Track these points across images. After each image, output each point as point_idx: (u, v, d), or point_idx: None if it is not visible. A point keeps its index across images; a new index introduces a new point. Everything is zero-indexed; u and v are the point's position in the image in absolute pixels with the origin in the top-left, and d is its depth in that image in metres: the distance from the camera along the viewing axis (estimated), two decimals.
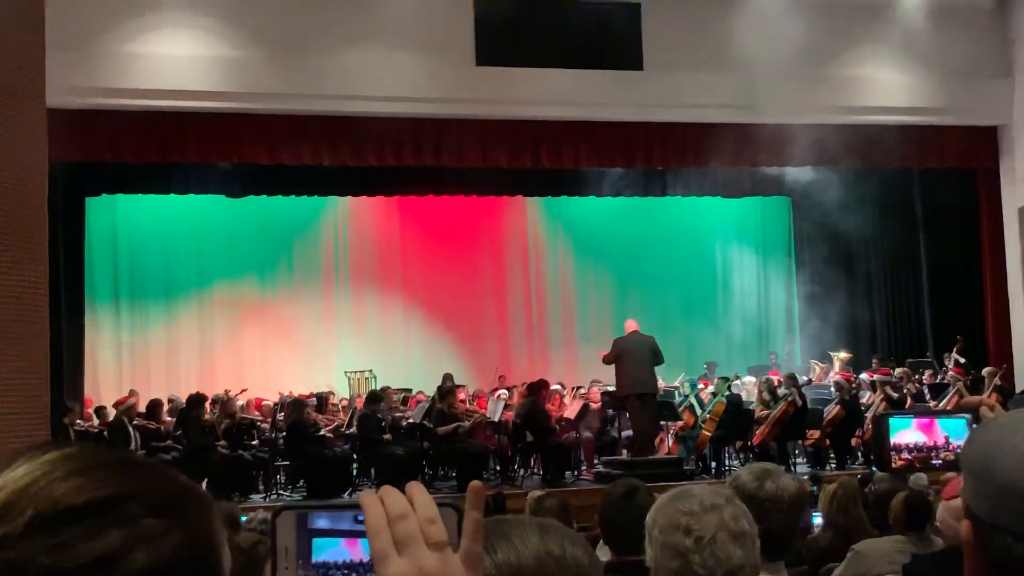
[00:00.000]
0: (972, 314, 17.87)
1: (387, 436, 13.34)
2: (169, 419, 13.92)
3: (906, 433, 1.82)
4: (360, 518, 1.04)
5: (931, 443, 1.81)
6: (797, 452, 14.88)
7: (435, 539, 1.02)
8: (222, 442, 12.93)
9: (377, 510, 1.03)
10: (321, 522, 1.08)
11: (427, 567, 1.01)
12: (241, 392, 15.34)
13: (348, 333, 18.78)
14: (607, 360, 13.31)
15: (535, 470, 14.14)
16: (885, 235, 19.04)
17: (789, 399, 14.06)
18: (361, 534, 1.04)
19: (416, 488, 1.06)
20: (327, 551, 1.07)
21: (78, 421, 13.55)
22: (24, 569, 0.86)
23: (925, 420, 1.84)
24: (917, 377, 15.90)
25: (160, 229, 17.81)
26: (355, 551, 1.07)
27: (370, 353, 18.18)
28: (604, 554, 3.73)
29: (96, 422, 14.16)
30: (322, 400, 15.15)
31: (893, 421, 1.84)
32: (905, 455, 1.82)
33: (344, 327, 18.85)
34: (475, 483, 1.07)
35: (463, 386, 15.82)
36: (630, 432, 13.82)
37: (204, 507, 0.96)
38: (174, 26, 14.24)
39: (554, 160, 16.10)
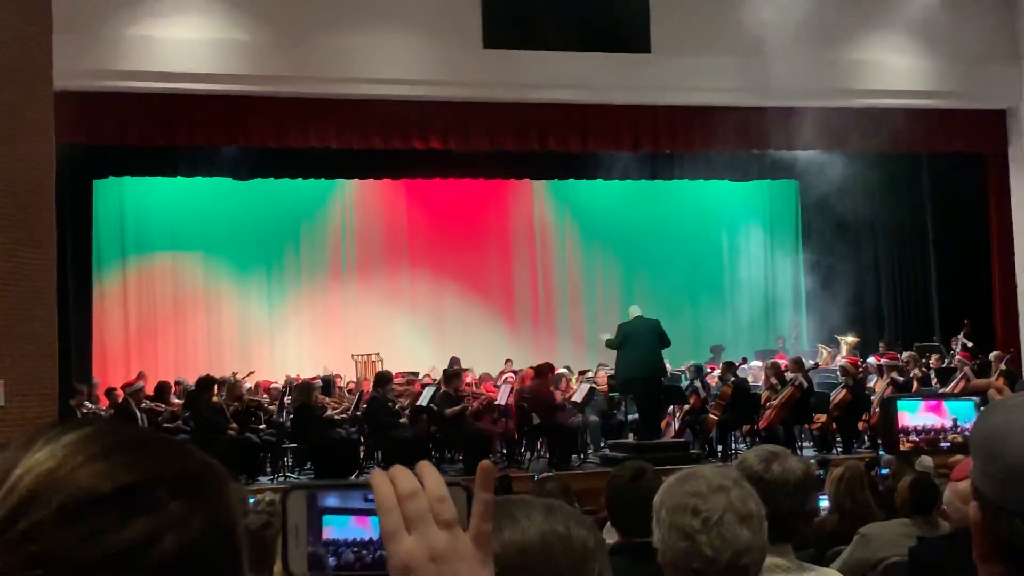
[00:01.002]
0: (979, 298, 17.83)
1: (403, 420, 13.40)
2: (178, 402, 13.95)
3: (914, 415, 1.81)
4: (370, 496, 1.04)
5: (939, 425, 1.81)
6: (803, 436, 14.89)
7: (445, 518, 1.02)
8: (233, 425, 12.96)
9: (387, 489, 1.03)
10: (331, 500, 1.08)
11: (437, 545, 1.01)
12: (249, 375, 15.37)
13: (355, 316, 18.81)
14: (611, 344, 13.34)
15: (542, 453, 14.18)
16: (893, 219, 19.01)
17: (795, 383, 14.06)
18: (371, 512, 1.04)
19: (426, 467, 1.06)
20: (337, 529, 1.08)
21: (85, 403, 13.58)
22: (54, 560, 0.85)
23: (933, 402, 1.83)
24: (924, 361, 15.88)
25: (167, 212, 17.83)
26: (365, 529, 1.07)
27: (377, 336, 18.20)
28: (611, 536, 3.74)
29: (107, 404, 14.16)
30: (329, 383, 15.18)
31: (901, 403, 1.83)
32: (913, 437, 1.82)
33: (351, 310, 18.87)
34: (485, 463, 1.07)
35: (469, 370, 15.85)
36: (636, 415, 13.85)
37: (222, 484, 0.96)
38: (181, 9, 14.21)
39: (561, 143, 16.06)
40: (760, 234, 20.72)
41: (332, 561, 1.08)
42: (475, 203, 19.25)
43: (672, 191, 19.24)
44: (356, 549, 1.08)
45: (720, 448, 14.17)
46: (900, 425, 1.81)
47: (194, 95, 14.43)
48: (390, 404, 13.56)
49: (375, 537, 1.05)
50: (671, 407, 14.40)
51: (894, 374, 14.67)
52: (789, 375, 14.31)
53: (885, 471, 8.35)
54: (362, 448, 13.66)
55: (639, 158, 17.46)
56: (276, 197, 17.88)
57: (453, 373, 14.14)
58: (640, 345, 13.04)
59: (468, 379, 15.00)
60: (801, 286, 20.39)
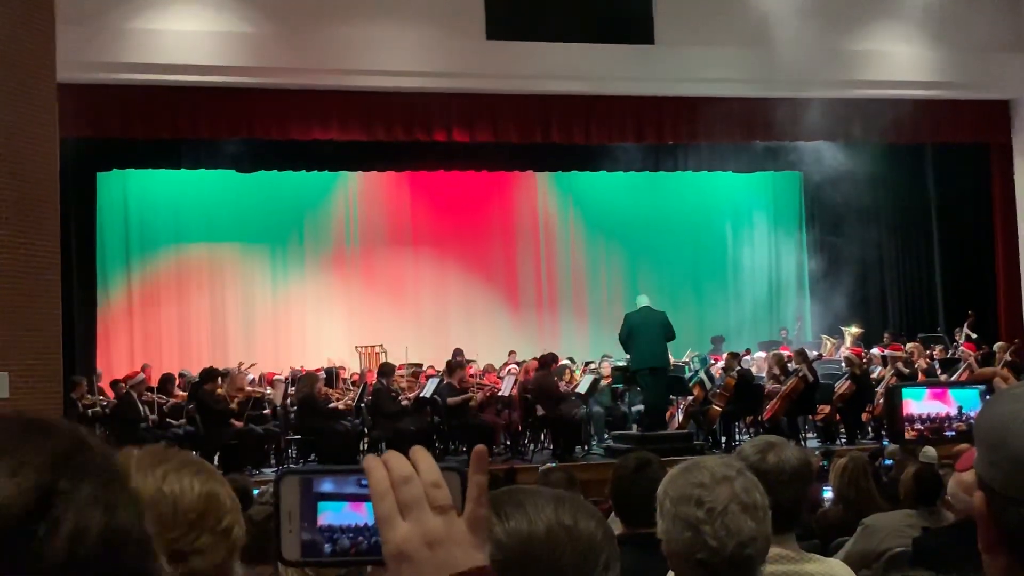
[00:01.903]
0: (983, 289, 17.82)
1: (407, 411, 13.42)
2: (182, 393, 13.96)
3: (919, 404, 1.81)
4: (364, 482, 1.04)
5: (944, 414, 1.81)
6: (807, 427, 14.88)
7: (439, 503, 1.02)
8: (236, 416, 12.99)
9: (381, 474, 1.03)
10: (326, 486, 1.08)
11: (431, 530, 1.01)
12: (251, 366, 15.37)
13: (358, 308, 18.80)
14: (621, 336, 13.27)
15: (545, 444, 14.19)
16: (897, 210, 18.99)
17: (799, 374, 14.06)
18: (366, 497, 1.04)
19: (420, 452, 1.06)
20: (332, 514, 1.07)
21: (87, 395, 13.59)
22: None
23: (938, 391, 1.83)
24: (928, 352, 15.88)
25: (171, 204, 17.83)
26: (361, 514, 1.07)
27: (380, 328, 18.20)
28: (615, 526, 3.74)
29: (112, 395, 14.16)
30: (332, 374, 15.19)
31: (906, 392, 1.83)
32: (917, 426, 1.81)
33: (354, 302, 18.87)
34: (479, 447, 1.07)
35: (473, 361, 15.85)
36: (640, 407, 13.84)
37: (94, 444, 0.91)
38: (185, 1, 14.21)
39: (564, 135, 16.06)
40: (764, 225, 20.68)
41: (328, 547, 1.08)
42: (479, 195, 19.23)
43: (676, 182, 19.21)
44: (352, 535, 1.07)
45: (724, 439, 14.17)
46: (905, 413, 1.81)
47: (198, 87, 14.44)
48: (394, 395, 13.59)
49: (370, 523, 1.05)
50: (675, 398, 14.39)
51: (899, 365, 14.67)
52: (793, 366, 14.31)
53: (889, 462, 8.36)
54: (365, 439, 13.68)
55: (643, 149, 17.45)
56: (279, 189, 17.87)
57: (457, 364, 14.16)
58: (646, 337, 13.01)
59: (472, 370, 15.01)
60: (805, 277, 20.37)
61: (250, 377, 14.54)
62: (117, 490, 0.89)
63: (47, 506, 0.84)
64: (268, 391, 14.35)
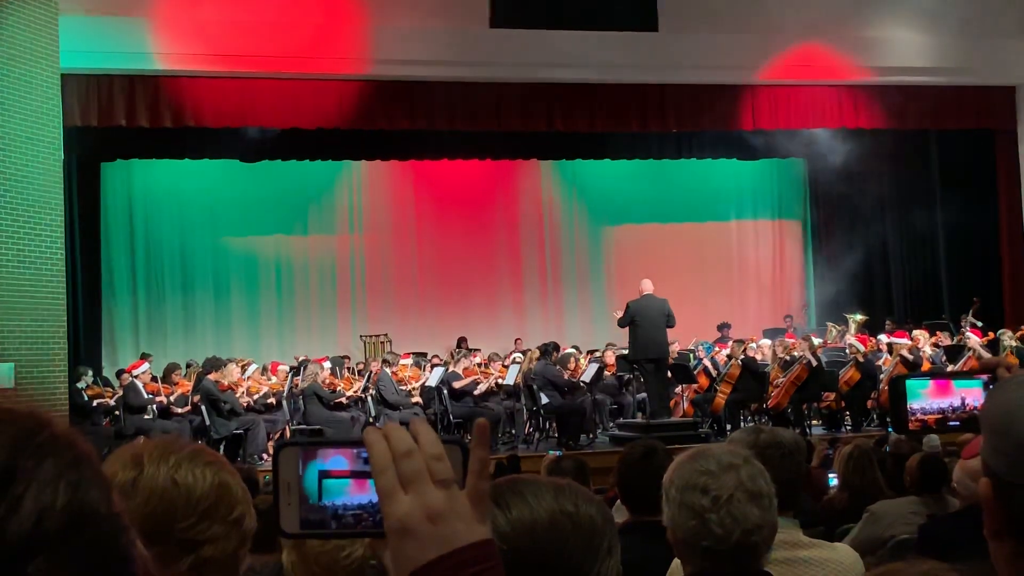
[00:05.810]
0: (989, 275, 17.79)
1: (412, 393, 13.44)
2: (187, 383, 13.97)
3: (923, 394, 1.81)
4: (366, 455, 1.03)
5: (948, 404, 1.81)
6: (812, 414, 14.87)
7: (441, 476, 1.01)
8: (241, 406, 13.01)
9: (382, 447, 1.02)
10: (330, 462, 1.07)
11: (433, 504, 1.00)
12: (249, 363, 15.28)
13: (363, 297, 18.81)
14: (622, 323, 13.28)
15: (550, 433, 14.19)
16: (901, 196, 18.95)
17: (803, 361, 14.05)
18: (369, 474, 1.03)
19: (421, 425, 1.04)
20: (335, 490, 1.07)
21: (92, 385, 13.60)
22: None
23: (942, 381, 1.83)
24: (933, 339, 15.86)
25: (175, 194, 17.82)
26: (363, 490, 1.06)
27: (385, 318, 18.23)
28: (621, 514, 3.75)
29: (118, 385, 14.17)
30: (337, 364, 15.20)
31: (910, 383, 1.83)
32: (920, 416, 1.81)
33: (359, 291, 18.88)
34: (480, 420, 1.06)
35: (478, 350, 15.85)
36: (644, 395, 13.84)
37: (54, 424, 0.91)
38: None
39: (568, 123, 16.04)
40: (768, 212, 20.66)
41: (332, 524, 1.07)
42: (482, 184, 19.21)
43: (679, 170, 19.18)
44: (357, 511, 1.06)
45: (729, 428, 14.15)
46: (908, 404, 1.81)
47: (202, 77, 14.41)
48: (398, 384, 13.61)
49: (374, 499, 1.04)
50: (680, 386, 14.39)
51: (903, 352, 14.65)
52: (797, 353, 14.31)
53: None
54: None
55: (647, 137, 17.42)
56: (284, 179, 17.85)
57: (461, 353, 14.18)
58: (648, 325, 12.99)
59: (477, 359, 15.02)
60: (809, 264, 20.37)
61: (255, 367, 14.51)
62: (83, 469, 0.88)
63: (8, 484, 0.83)
64: (274, 380, 14.34)
